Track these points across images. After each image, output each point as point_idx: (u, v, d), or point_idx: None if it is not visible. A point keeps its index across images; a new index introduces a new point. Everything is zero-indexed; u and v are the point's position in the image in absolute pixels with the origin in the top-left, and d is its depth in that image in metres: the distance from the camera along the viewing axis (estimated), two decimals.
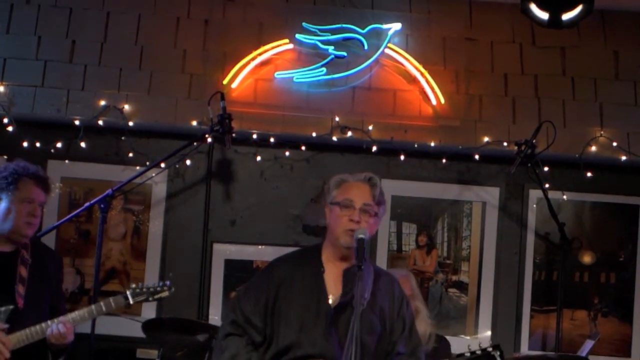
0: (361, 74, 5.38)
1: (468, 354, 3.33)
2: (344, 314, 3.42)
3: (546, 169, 5.37)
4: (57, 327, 3.96)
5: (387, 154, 5.44)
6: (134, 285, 4.18)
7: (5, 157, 5.35)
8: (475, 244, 5.54)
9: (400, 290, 3.68)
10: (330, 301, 3.52)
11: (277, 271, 3.61)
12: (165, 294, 4.25)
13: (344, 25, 5.40)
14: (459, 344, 4.81)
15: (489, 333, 5.45)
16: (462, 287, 5.53)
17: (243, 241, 5.45)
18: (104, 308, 4.11)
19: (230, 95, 5.24)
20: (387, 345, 3.57)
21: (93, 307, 4.11)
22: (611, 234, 5.59)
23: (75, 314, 4.06)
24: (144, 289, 4.18)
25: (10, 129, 5.23)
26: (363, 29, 5.39)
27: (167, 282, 4.31)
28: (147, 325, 4.55)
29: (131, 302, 4.16)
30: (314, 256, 3.63)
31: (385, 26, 5.39)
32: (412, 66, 5.37)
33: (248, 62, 5.31)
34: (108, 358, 5.22)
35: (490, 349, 3.30)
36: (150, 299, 4.22)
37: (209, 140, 5.19)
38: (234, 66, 5.31)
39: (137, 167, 5.25)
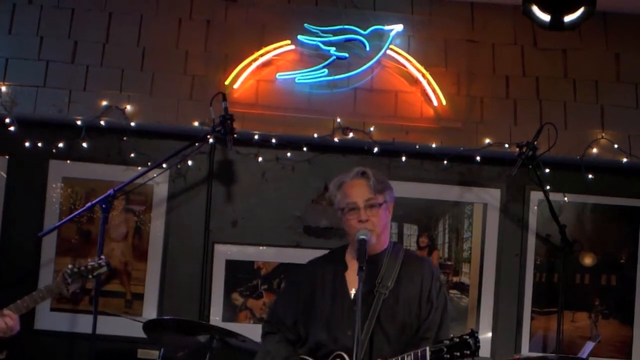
0: (363, 75, 5.38)
1: (447, 341, 3.36)
2: (364, 306, 3.47)
3: (547, 170, 5.37)
4: (4, 321, 3.99)
5: (389, 155, 5.44)
6: (70, 266, 4.24)
7: (7, 157, 5.37)
8: (476, 246, 5.54)
9: (430, 273, 3.69)
10: (352, 297, 3.61)
11: (308, 274, 3.78)
12: (104, 269, 4.31)
13: (346, 27, 5.40)
14: None
15: (489, 334, 5.45)
16: (463, 288, 5.53)
17: (244, 242, 5.45)
18: (45, 293, 4.17)
19: (232, 96, 5.25)
20: (414, 330, 3.61)
21: (34, 293, 4.15)
22: (612, 236, 5.59)
23: (18, 304, 4.09)
24: (82, 268, 4.23)
25: (12, 129, 5.23)
26: (365, 30, 5.39)
27: (103, 257, 4.36)
28: (148, 326, 4.54)
29: (69, 282, 4.20)
30: (340, 256, 3.77)
31: (387, 27, 5.39)
32: (414, 68, 5.37)
33: (250, 63, 5.32)
34: (109, 358, 5.23)
35: (466, 337, 3.33)
36: (90, 276, 4.28)
37: (211, 140, 5.20)
38: (235, 67, 5.31)
39: (139, 168, 5.25)
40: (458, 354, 3.31)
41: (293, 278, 3.89)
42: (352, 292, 3.62)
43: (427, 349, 3.36)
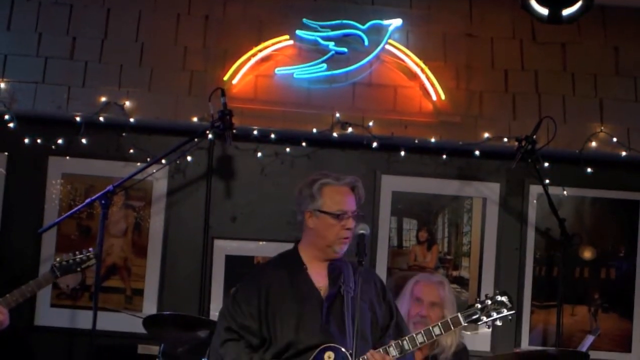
0: (361, 69, 5.38)
1: (478, 305, 3.37)
2: (335, 304, 3.56)
3: (546, 164, 5.37)
4: None
5: (388, 150, 5.45)
6: (58, 259, 4.26)
7: (7, 153, 5.37)
8: (476, 240, 5.54)
9: (379, 278, 3.86)
10: (322, 294, 3.63)
11: (262, 277, 3.73)
12: (92, 262, 4.32)
13: (345, 21, 5.40)
14: None
15: (489, 328, 5.45)
16: (462, 282, 5.53)
17: (244, 237, 5.46)
18: (34, 286, 4.19)
19: (231, 91, 5.24)
20: (378, 331, 3.68)
21: (23, 287, 4.17)
22: (611, 229, 5.59)
23: (7, 298, 4.09)
24: (70, 261, 4.25)
25: (11, 125, 5.23)
26: (363, 25, 5.39)
27: (91, 249, 4.36)
28: (148, 321, 4.56)
29: (59, 275, 4.23)
30: (294, 257, 3.74)
31: (385, 22, 5.39)
32: (413, 62, 5.37)
33: (248, 59, 5.32)
34: (109, 354, 5.23)
35: (497, 296, 3.35)
36: (79, 269, 4.30)
37: (210, 136, 5.20)
38: (234, 62, 5.31)
39: (138, 164, 5.24)
40: (495, 314, 3.32)
41: (245, 286, 3.79)
42: (321, 290, 3.63)
43: (459, 314, 3.39)
